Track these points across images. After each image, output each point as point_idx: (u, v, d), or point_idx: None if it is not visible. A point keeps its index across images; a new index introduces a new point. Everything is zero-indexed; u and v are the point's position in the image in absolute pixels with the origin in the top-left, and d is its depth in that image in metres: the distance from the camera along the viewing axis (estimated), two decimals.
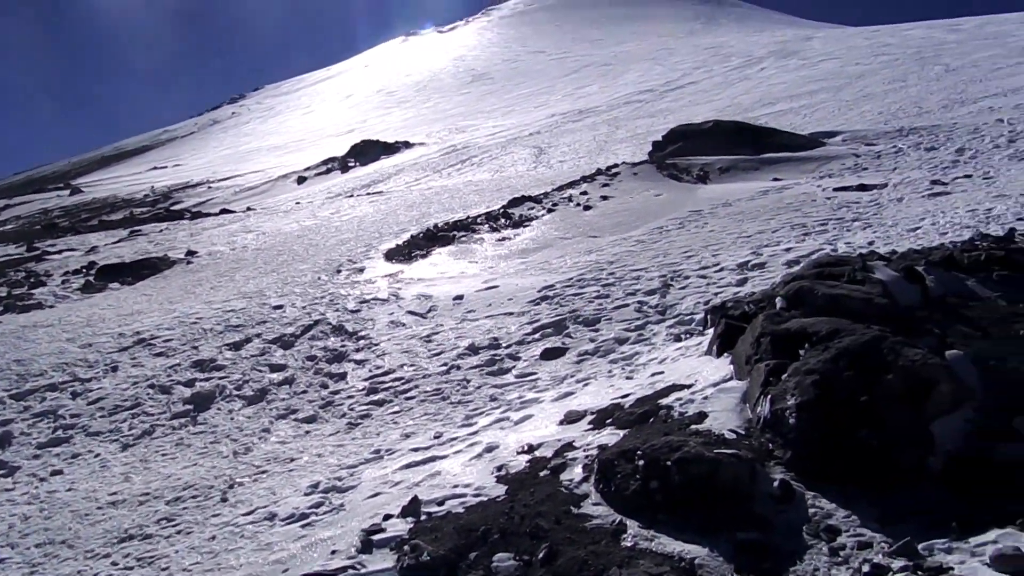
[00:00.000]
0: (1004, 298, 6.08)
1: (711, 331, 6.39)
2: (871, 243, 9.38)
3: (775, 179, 15.97)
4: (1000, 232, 8.51)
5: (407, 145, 43.19)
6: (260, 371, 8.55)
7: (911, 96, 26.18)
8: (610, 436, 4.68)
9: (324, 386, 7.87)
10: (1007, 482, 3.81)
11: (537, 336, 8.02)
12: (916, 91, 27.12)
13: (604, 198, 15.71)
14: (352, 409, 7.16)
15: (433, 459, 5.43)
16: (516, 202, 16.30)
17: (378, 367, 8.00)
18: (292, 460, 6.29)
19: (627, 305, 8.45)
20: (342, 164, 41.04)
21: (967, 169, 13.86)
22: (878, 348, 4.30)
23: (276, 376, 8.33)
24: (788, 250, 9.68)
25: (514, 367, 7.37)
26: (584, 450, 4.65)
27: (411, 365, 7.86)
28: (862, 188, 13.34)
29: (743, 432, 4.28)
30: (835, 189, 13.61)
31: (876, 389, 4.03)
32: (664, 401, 4.99)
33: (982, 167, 13.82)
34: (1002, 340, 5.21)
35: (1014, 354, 4.98)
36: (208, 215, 27.42)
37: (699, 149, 19.86)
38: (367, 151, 42.72)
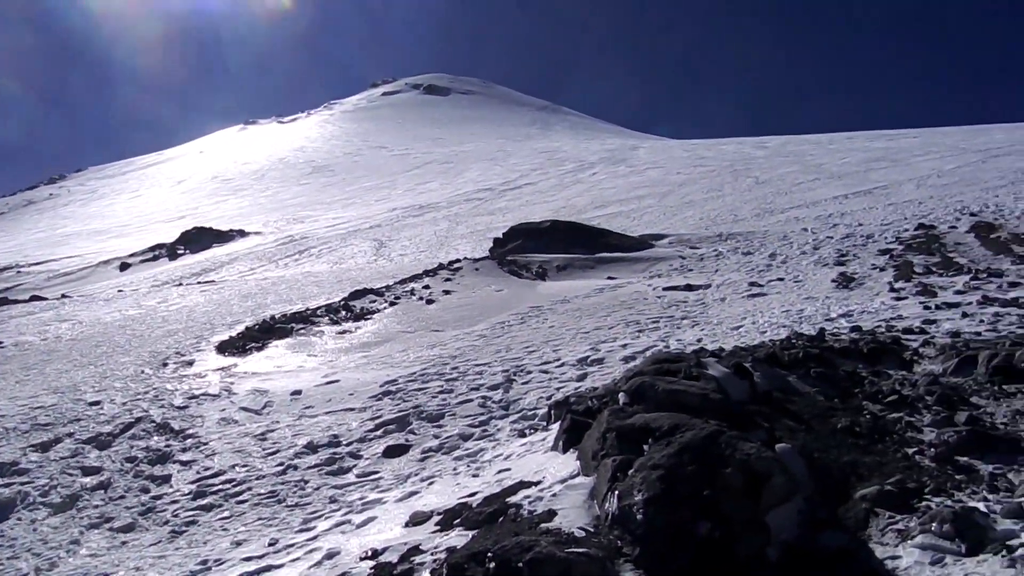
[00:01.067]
0: (821, 393, 6.55)
1: (555, 426, 6.44)
2: (699, 340, 9.89)
3: (609, 277, 16.71)
4: (812, 331, 9.24)
5: (242, 234, 41.91)
6: (71, 475, 7.74)
7: (727, 205, 28.47)
8: (459, 537, 4.54)
9: (145, 490, 7.22)
10: (832, 568, 4.01)
11: (379, 433, 7.79)
12: (731, 200, 29.54)
13: (447, 292, 15.80)
14: (176, 515, 6.59)
15: (268, 568, 5.05)
16: (357, 294, 16.07)
17: (207, 468, 7.45)
18: None
19: (471, 400, 8.40)
20: (171, 251, 39.16)
21: (780, 272, 15.08)
22: (717, 442, 4.46)
23: (89, 480, 7.56)
24: (624, 346, 10.04)
25: (355, 466, 7.09)
26: (432, 553, 4.47)
27: (243, 465, 7.37)
28: (689, 288, 14.19)
29: (592, 529, 4.28)
30: (664, 288, 14.38)
31: (717, 482, 4.16)
32: (512, 499, 4.92)
33: (792, 271, 15.09)
34: (823, 433, 5.58)
35: (834, 446, 5.34)
36: (16, 302, 25.14)
37: (538, 247, 20.53)
38: (199, 238, 41.05)
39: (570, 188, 41.90)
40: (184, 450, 8.01)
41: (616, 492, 4.27)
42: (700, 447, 4.40)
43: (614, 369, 8.91)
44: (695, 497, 4.06)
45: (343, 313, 14.61)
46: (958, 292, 11.32)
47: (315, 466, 7.14)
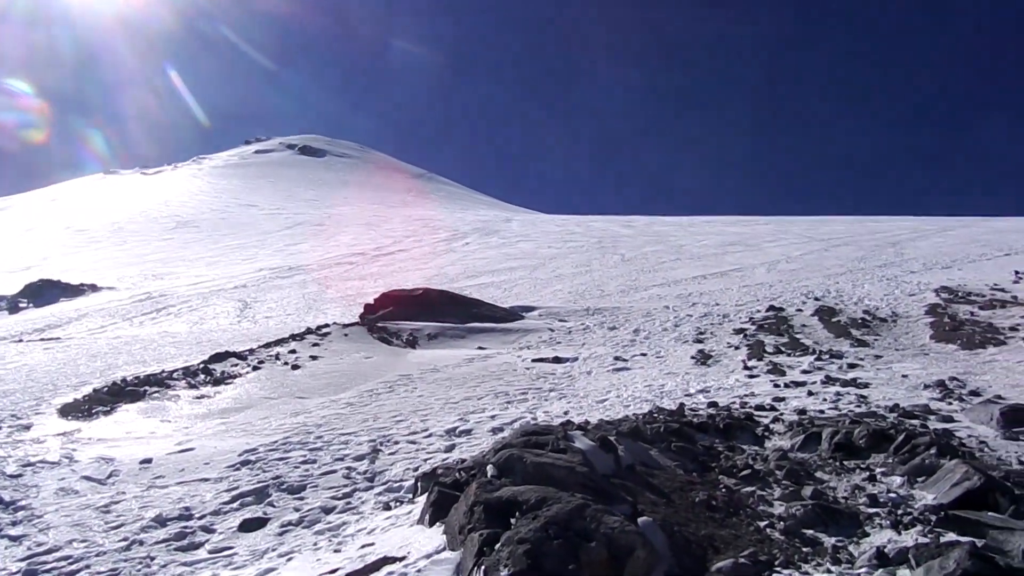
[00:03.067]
0: (681, 467, 6.79)
1: (422, 499, 6.35)
2: (567, 412, 10.07)
3: (480, 347, 16.80)
4: (672, 406, 9.60)
5: (94, 288, 39.49)
6: None
7: (595, 280, 29.39)
8: None
9: None
10: None
11: (236, 505, 7.41)
12: (599, 276, 30.53)
13: (313, 358, 15.41)
14: None
15: None
16: (218, 357, 15.41)
17: (39, 544, 6.83)
18: None
19: (335, 471, 8.16)
20: (11, 304, 36.37)
21: (643, 348, 15.63)
22: (582, 516, 4.53)
23: None
24: (493, 417, 10.07)
25: (207, 541, 6.69)
26: None
27: (82, 540, 6.81)
28: (557, 360, 14.46)
29: None
30: (533, 360, 14.60)
31: (581, 557, 4.21)
32: None
33: (654, 347, 15.68)
34: (682, 506, 5.76)
35: (692, 520, 5.52)
36: None
37: (409, 314, 20.44)
38: (44, 292, 38.33)
39: (443, 256, 42.19)
40: (14, 523, 7.33)
41: (483, 567, 4.24)
42: (566, 521, 4.45)
43: (482, 440, 8.91)
44: (561, 571, 4.09)
45: (202, 376, 13.95)
46: (804, 371, 12.07)
47: (163, 541, 6.69)
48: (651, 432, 7.63)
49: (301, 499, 7.47)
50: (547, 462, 5.51)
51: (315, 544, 6.28)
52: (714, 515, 5.70)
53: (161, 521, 7.11)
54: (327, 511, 7.09)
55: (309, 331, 18.46)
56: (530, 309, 22.42)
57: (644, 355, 14.80)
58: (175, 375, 14.06)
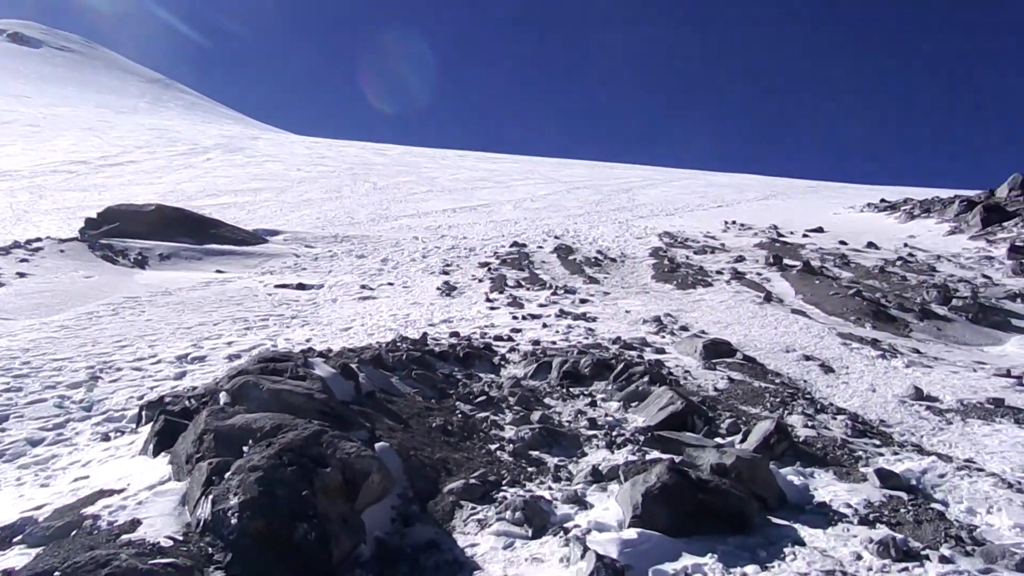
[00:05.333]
0: (420, 394, 6.96)
1: (146, 428, 5.96)
2: (309, 340, 9.88)
3: (218, 271, 15.91)
4: (416, 335, 9.77)
5: None
6: None
7: (345, 207, 28.82)
8: (19, 557, 3.97)
9: None
10: (417, 561, 4.27)
11: None
12: (349, 203, 29.96)
13: (21, 275, 13.73)
14: None
15: None
16: None
17: None
18: None
19: (44, 400, 7.41)
20: None
21: (390, 277, 15.67)
22: (319, 442, 4.50)
23: None
24: (230, 343, 9.65)
25: None
26: None
27: None
28: (301, 287, 14.09)
29: (182, 538, 4.03)
30: (276, 286, 14.11)
31: (316, 483, 4.19)
32: (89, 510, 4.44)
33: (402, 277, 15.78)
34: (420, 431, 5.92)
35: (428, 444, 5.70)
36: None
37: (139, 232, 18.79)
38: None
39: (180, 172, 39.06)
40: None
41: (210, 497, 4.08)
42: (301, 447, 4.40)
43: (217, 368, 8.51)
44: (294, 498, 4.04)
45: None
46: (541, 305, 12.79)
47: None
48: (393, 360, 7.72)
49: (3, 431, 6.71)
50: (284, 389, 5.39)
51: (19, 479, 5.69)
52: (449, 439, 5.92)
53: None
54: (34, 443, 6.44)
55: (17, 245, 16.39)
56: (275, 233, 21.55)
57: (391, 285, 14.85)
58: None
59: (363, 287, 14.31)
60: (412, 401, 6.69)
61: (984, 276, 15.56)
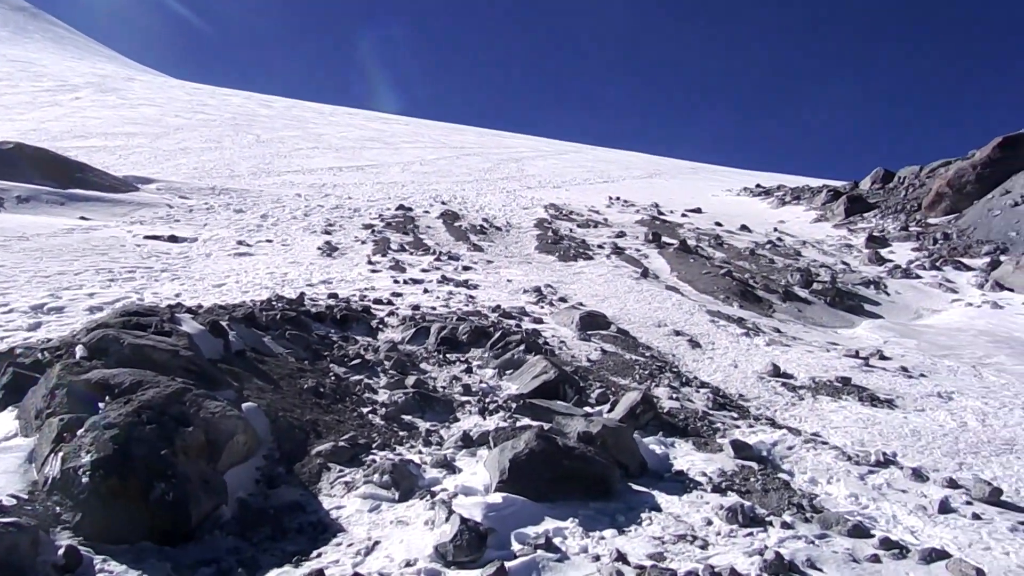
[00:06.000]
0: (293, 355, 6.83)
1: None
2: (178, 295, 9.49)
3: (83, 218, 15.00)
4: (293, 295, 9.54)
5: None
6: None
7: (225, 158, 27.68)
8: None
9: None
10: (280, 521, 4.22)
11: None
12: (230, 154, 28.79)
13: None
14: None
15: None
16: None
17: None
18: None
19: None
20: None
21: (269, 234, 15.20)
22: (181, 400, 4.36)
23: None
24: (92, 295, 9.14)
25: None
26: None
27: None
28: (173, 240, 13.48)
29: (26, 496, 3.83)
30: (146, 237, 13.44)
31: (176, 442, 4.06)
32: None
33: (282, 234, 15.33)
34: (290, 392, 5.82)
35: (298, 406, 5.61)
36: None
37: None
38: None
39: (45, 109, 36.42)
40: None
41: (60, 454, 3.89)
42: (162, 405, 4.25)
43: (76, 320, 8.04)
44: (152, 457, 3.91)
45: None
46: (423, 270, 12.74)
47: None
48: (267, 319, 7.53)
49: None
50: (147, 344, 5.18)
51: None
52: (321, 401, 5.85)
53: None
54: None
55: None
56: (147, 181, 20.46)
57: (270, 242, 14.41)
58: None
59: (240, 243, 13.83)
60: (284, 362, 6.56)
61: (843, 263, 16.57)
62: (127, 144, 28.68)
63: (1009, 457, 6.08)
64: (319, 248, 13.87)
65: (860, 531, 4.47)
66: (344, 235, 15.64)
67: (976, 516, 4.85)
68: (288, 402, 5.60)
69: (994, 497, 5.14)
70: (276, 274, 11.39)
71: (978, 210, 18.37)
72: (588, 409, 6.31)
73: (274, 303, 8.72)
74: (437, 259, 13.81)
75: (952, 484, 5.39)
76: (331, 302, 9.32)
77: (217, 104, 47.23)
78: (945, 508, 4.94)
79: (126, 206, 16.77)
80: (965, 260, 16.18)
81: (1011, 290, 14.16)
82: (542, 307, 10.68)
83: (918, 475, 5.53)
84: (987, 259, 15.84)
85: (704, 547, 4.22)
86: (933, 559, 4.13)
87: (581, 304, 10.99)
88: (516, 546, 4.05)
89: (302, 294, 9.62)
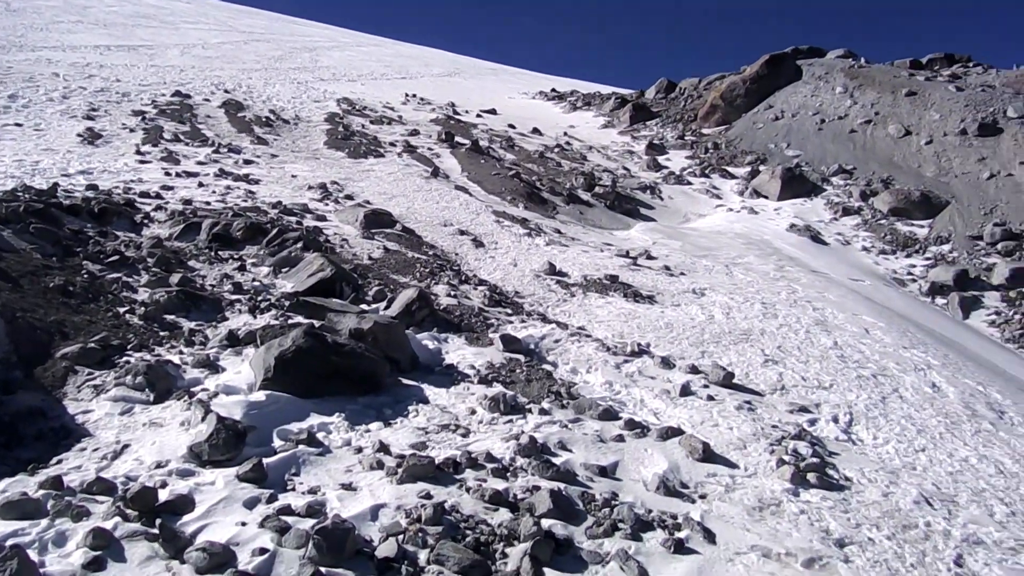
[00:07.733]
0: (39, 251, 6.23)
1: None
2: None
3: None
4: (45, 185, 8.64)
5: None
6: None
7: None
8: None
9: None
10: (17, 431, 3.92)
11: None
12: None
13: None
14: None
15: None
16: None
17: None
18: None
19: None
20: None
21: (19, 118, 13.54)
22: None
23: None
24: None
25: None
26: None
27: None
28: None
29: None
30: None
31: None
32: None
33: (34, 118, 13.70)
34: (32, 292, 5.33)
35: (43, 306, 5.16)
36: None
37: None
38: None
39: None
40: None
41: None
42: None
43: None
44: None
45: None
46: (200, 163, 11.93)
47: None
48: (8, 211, 6.78)
49: None
50: None
51: None
52: (70, 301, 5.41)
53: None
54: None
55: None
56: None
57: (19, 126, 12.84)
58: None
59: None
60: (27, 258, 5.97)
61: (624, 168, 17.40)
62: None
63: (744, 346, 6.79)
64: (79, 135, 12.58)
65: (609, 414, 4.86)
66: (110, 121, 14.27)
67: (710, 397, 5.42)
68: (29, 302, 5.13)
69: (727, 380, 5.75)
70: (26, 162, 10.24)
71: (745, 122, 19.84)
72: (364, 307, 6.30)
73: (19, 194, 7.85)
74: (216, 151, 12.99)
75: (694, 370, 5.96)
76: (89, 194, 8.54)
77: None
78: (686, 391, 5.48)
79: None
80: (731, 169, 17.52)
81: (766, 197, 15.58)
82: (327, 204, 10.40)
83: (666, 363, 6.07)
84: (749, 168, 17.24)
85: (465, 435, 4.42)
86: (669, 436, 4.58)
87: (368, 202, 10.82)
88: (278, 443, 4.04)
89: (55, 184, 8.73)
